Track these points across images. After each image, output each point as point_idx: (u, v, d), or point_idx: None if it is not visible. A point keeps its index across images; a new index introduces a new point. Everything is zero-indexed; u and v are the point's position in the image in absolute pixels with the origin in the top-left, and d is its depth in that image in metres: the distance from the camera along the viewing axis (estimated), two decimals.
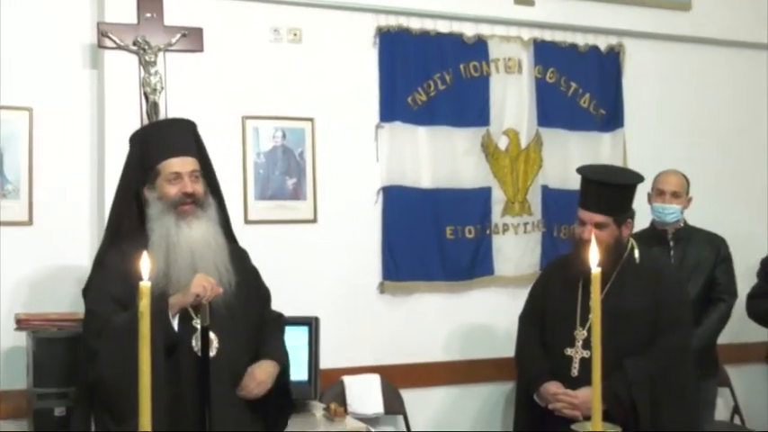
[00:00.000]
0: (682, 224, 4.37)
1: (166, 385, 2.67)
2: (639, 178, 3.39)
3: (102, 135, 3.98)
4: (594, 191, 3.26)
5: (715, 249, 4.33)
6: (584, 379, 3.16)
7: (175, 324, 2.76)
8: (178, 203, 2.83)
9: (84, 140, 4.07)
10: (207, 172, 3.00)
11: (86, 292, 2.89)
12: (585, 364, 3.18)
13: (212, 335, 2.81)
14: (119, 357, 2.56)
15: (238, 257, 3.00)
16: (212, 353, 2.82)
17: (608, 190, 3.24)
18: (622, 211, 3.24)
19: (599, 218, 3.21)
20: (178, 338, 2.77)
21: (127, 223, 2.93)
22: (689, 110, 5.40)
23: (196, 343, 2.80)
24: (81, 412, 2.87)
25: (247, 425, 2.92)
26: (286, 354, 3.07)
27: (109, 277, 2.80)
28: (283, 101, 4.45)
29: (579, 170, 3.40)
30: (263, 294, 3.13)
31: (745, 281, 4.52)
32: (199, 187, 2.89)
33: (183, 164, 2.87)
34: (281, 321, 3.16)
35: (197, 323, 2.80)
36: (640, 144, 5.18)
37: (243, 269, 2.99)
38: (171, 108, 3.97)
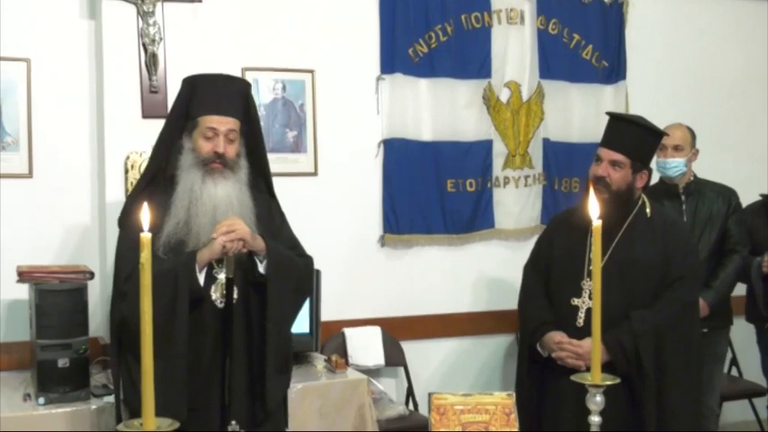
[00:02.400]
0: (692, 177, 4.33)
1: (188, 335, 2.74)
2: (661, 132, 3.39)
3: (101, 86, 3.95)
4: (618, 129, 3.29)
5: (726, 201, 4.30)
6: (589, 329, 3.13)
7: (202, 278, 2.80)
8: (208, 161, 2.85)
9: (82, 92, 4.04)
10: (251, 133, 3.00)
11: (121, 225, 2.92)
12: (591, 314, 3.18)
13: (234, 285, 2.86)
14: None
15: (266, 217, 3.00)
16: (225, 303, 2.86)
17: (631, 130, 3.26)
18: (640, 158, 3.26)
19: (616, 155, 3.22)
20: (202, 293, 2.81)
21: (163, 167, 2.94)
22: (692, 62, 5.36)
23: (215, 293, 2.84)
24: (113, 353, 2.92)
25: (262, 374, 2.95)
26: (288, 260, 2.96)
27: (136, 224, 2.81)
28: (283, 52, 4.41)
29: (609, 112, 3.45)
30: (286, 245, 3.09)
31: None
32: (232, 149, 2.90)
33: (222, 123, 2.87)
34: (305, 258, 3.12)
35: (216, 273, 2.85)
36: (642, 96, 5.14)
37: (269, 228, 2.98)
38: (170, 60, 3.94)
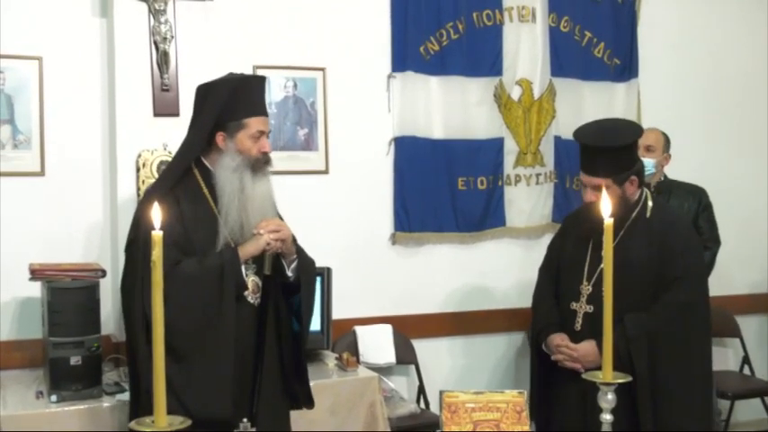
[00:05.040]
0: (662, 178, 4.37)
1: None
2: (634, 135, 3.24)
3: (113, 84, 3.96)
4: (589, 154, 3.16)
5: (696, 199, 4.37)
6: (586, 333, 3.17)
7: (244, 273, 2.86)
8: (261, 162, 2.90)
9: (94, 90, 4.05)
10: None
11: (137, 230, 2.88)
12: (588, 318, 3.17)
13: (260, 282, 2.90)
14: (185, 301, 2.66)
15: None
16: (260, 300, 2.90)
17: (600, 153, 3.13)
18: (621, 171, 3.13)
19: (597, 181, 3.11)
20: (245, 287, 2.86)
21: (186, 168, 2.95)
22: (704, 59, 5.34)
23: (248, 290, 2.87)
24: (141, 349, 2.85)
25: (291, 370, 3.02)
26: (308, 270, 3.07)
27: (168, 223, 2.81)
28: (294, 50, 4.42)
29: (575, 134, 3.27)
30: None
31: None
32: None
33: (266, 123, 2.95)
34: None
35: (247, 270, 2.87)
36: (655, 94, 5.14)
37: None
38: (181, 58, 3.94)
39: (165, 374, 2.74)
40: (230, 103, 2.89)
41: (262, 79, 3.09)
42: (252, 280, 2.88)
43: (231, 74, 3.01)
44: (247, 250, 2.83)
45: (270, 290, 2.89)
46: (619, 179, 3.13)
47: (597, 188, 3.07)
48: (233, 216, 2.83)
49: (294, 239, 3.00)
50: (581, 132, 3.27)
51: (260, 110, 2.93)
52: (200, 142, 2.92)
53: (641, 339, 3.09)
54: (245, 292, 2.86)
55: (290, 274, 2.93)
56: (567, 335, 3.24)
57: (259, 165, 2.89)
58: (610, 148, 3.13)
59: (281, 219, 3.06)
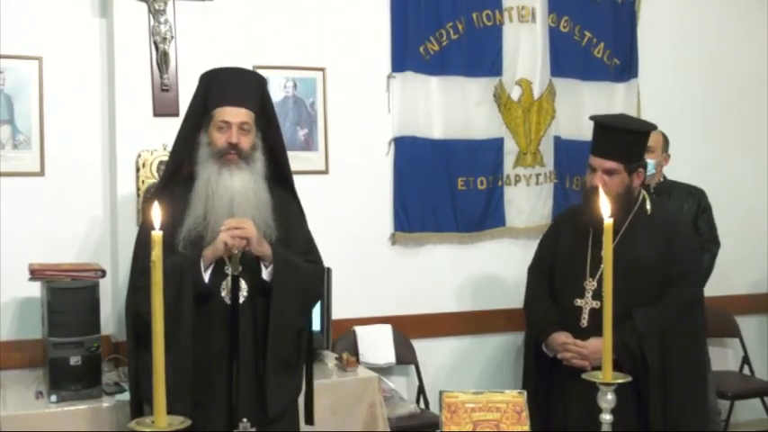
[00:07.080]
0: (662, 179, 4.38)
1: (196, 330, 2.76)
2: (651, 126, 3.34)
3: (113, 84, 3.96)
4: (606, 136, 3.21)
5: (696, 200, 4.38)
6: (592, 329, 3.15)
7: (208, 274, 2.81)
8: (223, 152, 2.86)
9: (94, 90, 4.05)
10: (269, 129, 3.00)
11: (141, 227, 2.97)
12: (595, 314, 3.17)
13: (243, 283, 2.85)
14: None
15: (285, 213, 2.99)
16: (241, 300, 2.86)
17: (619, 136, 3.18)
18: (633, 159, 3.20)
19: (609, 164, 3.16)
20: (209, 289, 2.82)
21: (183, 164, 2.97)
22: (704, 60, 5.34)
23: (224, 290, 2.84)
24: (130, 348, 2.94)
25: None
26: (298, 275, 2.92)
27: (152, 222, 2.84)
28: (294, 50, 4.42)
29: (592, 117, 3.35)
30: (301, 247, 3.09)
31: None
32: (246, 140, 2.90)
33: (234, 114, 2.89)
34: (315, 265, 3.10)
35: (227, 269, 2.84)
36: (654, 94, 5.13)
37: (287, 226, 2.98)
38: (181, 58, 3.95)
39: (143, 362, 2.76)
40: (204, 99, 2.92)
41: (244, 72, 3.06)
42: (229, 278, 2.84)
43: None
44: (208, 251, 2.79)
45: (244, 290, 2.84)
46: (629, 168, 3.19)
47: (607, 172, 3.16)
48: (196, 208, 2.82)
49: (293, 242, 2.95)
50: (601, 116, 3.38)
51: (229, 100, 2.88)
52: (183, 140, 2.94)
53: (652, 334, 3.11)
54: (222, 292, 2.83)
55: (265, 277, 2.85)
56: (570, 332, 3.23)
57: (224, 155, 2.85)
58: (627, 131, 3.22)
59: (296, 216, 3.03)
